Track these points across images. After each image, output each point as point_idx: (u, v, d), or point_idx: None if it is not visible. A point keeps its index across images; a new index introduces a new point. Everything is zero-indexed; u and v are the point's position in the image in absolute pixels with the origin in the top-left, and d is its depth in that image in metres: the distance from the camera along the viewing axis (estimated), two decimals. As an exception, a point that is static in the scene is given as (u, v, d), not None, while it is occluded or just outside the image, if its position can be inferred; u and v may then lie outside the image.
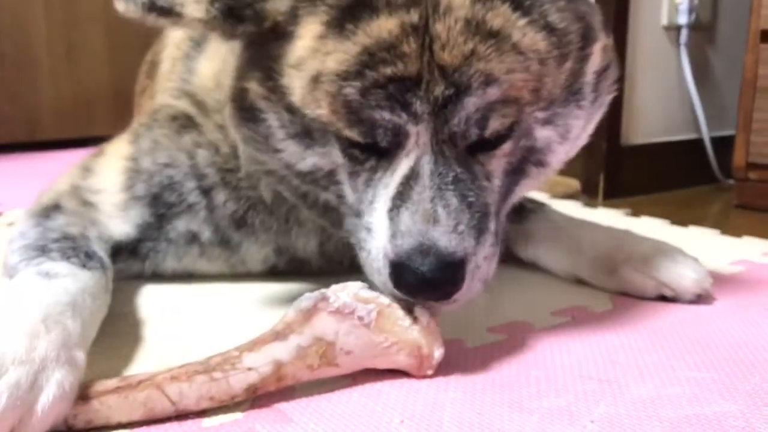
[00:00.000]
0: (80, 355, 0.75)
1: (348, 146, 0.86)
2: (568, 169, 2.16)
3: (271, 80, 0.88)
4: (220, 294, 1.17)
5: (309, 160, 0.92)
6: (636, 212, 1.82)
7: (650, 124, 2.13)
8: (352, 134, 0.83)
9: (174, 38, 1.25)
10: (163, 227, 1.13)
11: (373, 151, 0.85)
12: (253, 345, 0.78)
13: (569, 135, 0.93)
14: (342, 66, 0.81)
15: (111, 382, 0.74)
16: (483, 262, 0.84)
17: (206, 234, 1.15)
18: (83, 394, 0.73)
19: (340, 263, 1.17)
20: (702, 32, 2.19)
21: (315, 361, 0.80)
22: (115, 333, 0.98)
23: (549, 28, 0.84)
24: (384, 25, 0.80)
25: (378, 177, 0.86)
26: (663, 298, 1.13)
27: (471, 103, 0.80)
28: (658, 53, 2.12)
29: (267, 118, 0.91)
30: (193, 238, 1.15)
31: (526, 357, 0.92)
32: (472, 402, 0.80)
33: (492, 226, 0.85)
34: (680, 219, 1.72)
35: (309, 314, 0.80)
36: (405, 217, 0.81)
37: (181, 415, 0.75)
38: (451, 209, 0.81)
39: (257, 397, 0.79)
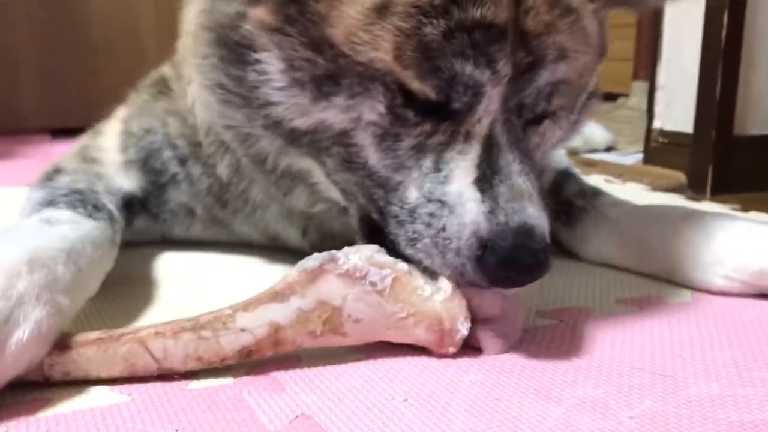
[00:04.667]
0: (65, 302, 0.69)
1: (402, 103, 0.71)
2: (672, 161, 1.98)
3: (296, 4, 0.70)
4: (240, 259, 1.11)
5: (317, 115, 0.73)
6: (746, 209, 1.61)
7: (770, 112, 1.91)
8: (422, 88, 0.69)
9: None
10: (162, 197, 1.08)
11: (434, 113, 0.72)
12: (248, 305, 0.71)
13: (545, 148, 0.85)
14: None
15: (92, 334, 0.69)
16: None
17: (198, 209, 1.09)
18: (62, 344, 0.68)
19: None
20: (837, 10, 1.94)
21: (318, 326, 0.72)
22: (127, 294, 0.94)
23: (599, 25, 0.80)
24: None
25: (438, 142, 0.73)
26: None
27: (544, 77, 0.74)
28: (783, 33, 1.89)
29: (264, 60, 0.73)
30: (189, 211, 1.10)
31: (572, 344, 0.80)
32: (493, 386, 0.69)
33: None
34: (798, 217, 1.51)
35: (314, 275, 0.72)
36: (504, 192, 0.70)
37: (166, 375, 0.69)
38: (534, 186, 0.73)
39: (254, 364, 0.72)
